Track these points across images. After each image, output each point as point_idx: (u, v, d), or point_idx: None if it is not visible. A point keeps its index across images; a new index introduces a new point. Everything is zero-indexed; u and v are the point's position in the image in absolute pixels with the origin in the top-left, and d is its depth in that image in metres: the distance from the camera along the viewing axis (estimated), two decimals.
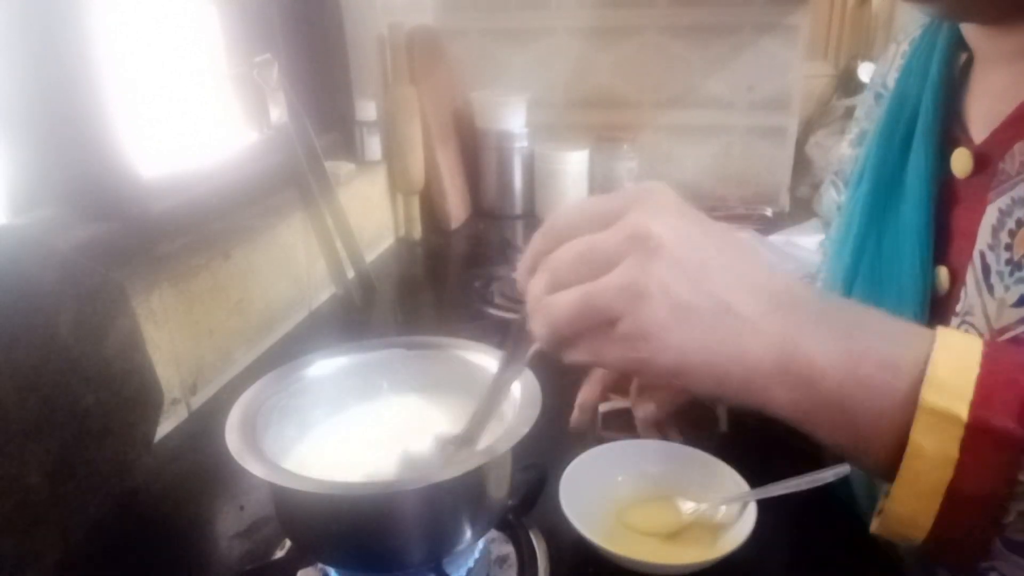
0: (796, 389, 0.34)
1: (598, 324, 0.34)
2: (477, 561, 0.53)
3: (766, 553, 0.55)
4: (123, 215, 0.79)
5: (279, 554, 0.57)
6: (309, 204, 0.99)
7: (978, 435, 0.30)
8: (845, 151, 0.61)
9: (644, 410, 0.59)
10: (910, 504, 0.32)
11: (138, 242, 0.81)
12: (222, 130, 1.05)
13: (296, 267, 1.04)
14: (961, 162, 0.48)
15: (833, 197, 0.65)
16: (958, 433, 0.30)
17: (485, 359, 0.56)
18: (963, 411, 0.30)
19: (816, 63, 1.59)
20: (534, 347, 0.39)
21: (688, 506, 0.59)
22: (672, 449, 0.62)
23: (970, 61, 0.51)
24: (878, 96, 0.60)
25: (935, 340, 0.33)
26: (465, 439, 0.47)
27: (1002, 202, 0.43)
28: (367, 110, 1.26)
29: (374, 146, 1.29)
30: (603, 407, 0.71)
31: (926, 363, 0.32)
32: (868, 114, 0.60)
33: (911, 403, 0.31)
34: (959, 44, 0.51)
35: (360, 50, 1.27)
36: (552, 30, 1.48)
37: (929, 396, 0.31)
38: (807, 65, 1.46)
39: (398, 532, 0.47)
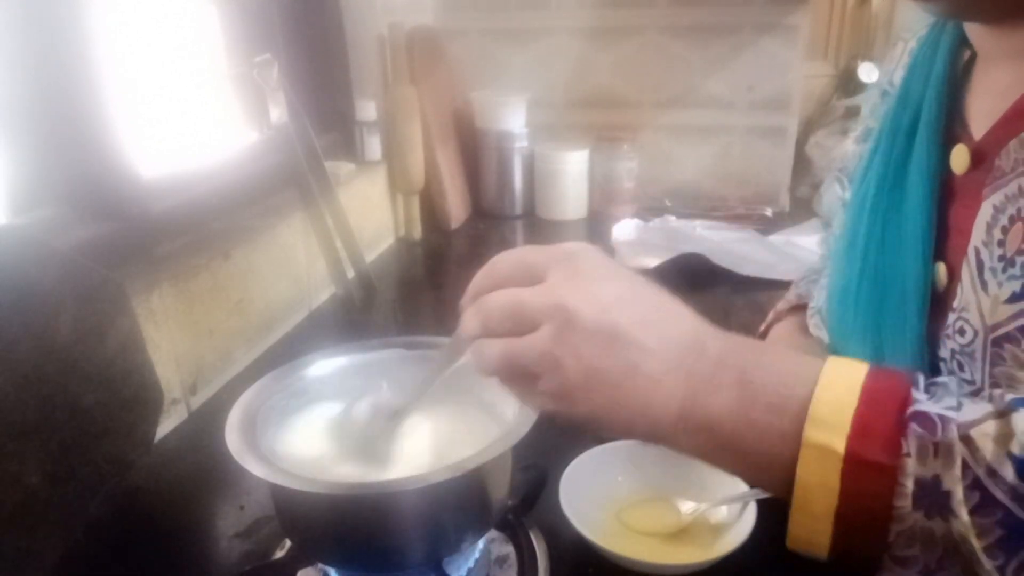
0: (697, 435, 0.38)
1: (522, 375, 0.39)
2: (477, 561, 0.53)
3: (766, 553, 0.54)
4: (123, 215, 0.79)
5: (279, 554, 0.57)
6: (309, 204, 0.99)
7: (855, 466, 0.33)
8: (851, 148, 0.61)
9: None
10: (806, 527, 0.35)
11: (138, 242, 0.81)
12: (222, 130, 1.05)
13: (296, 267, 1.04)
14: (959, 158, 0.48)
15: (837, 192, 0.65)
16: (837, 465, 0.34)
17: None
18: (840, 445, 0.33)
19: (816, 63, 1.59)
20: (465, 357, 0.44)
21: (688, 506, 0.59)
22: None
23: (973, 59, 0.51)
24: (884, 94, 0.60)
25: (819, 378, 0.36)
26: (398, 412, 0.51)
27: (996, 199, 0.43)
28: (367, 110, 1.26)
29: (374, 146, 1.29)
30: None
31: (809, 402, 0.35)
32: (874, 112, 0.61)
33: (797, 440, 0.35)
34: (963, 42, 0.51)
35: (360, 50, 1.27)
36: (552, 30, 1.48)
37: (811, 433, 0.34)
38: (807, 65, 1.46)
39: (398, 532, 0.47)
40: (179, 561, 0.59)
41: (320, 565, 0.53)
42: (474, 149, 1.50)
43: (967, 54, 0.51)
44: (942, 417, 0.33)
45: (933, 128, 0.50)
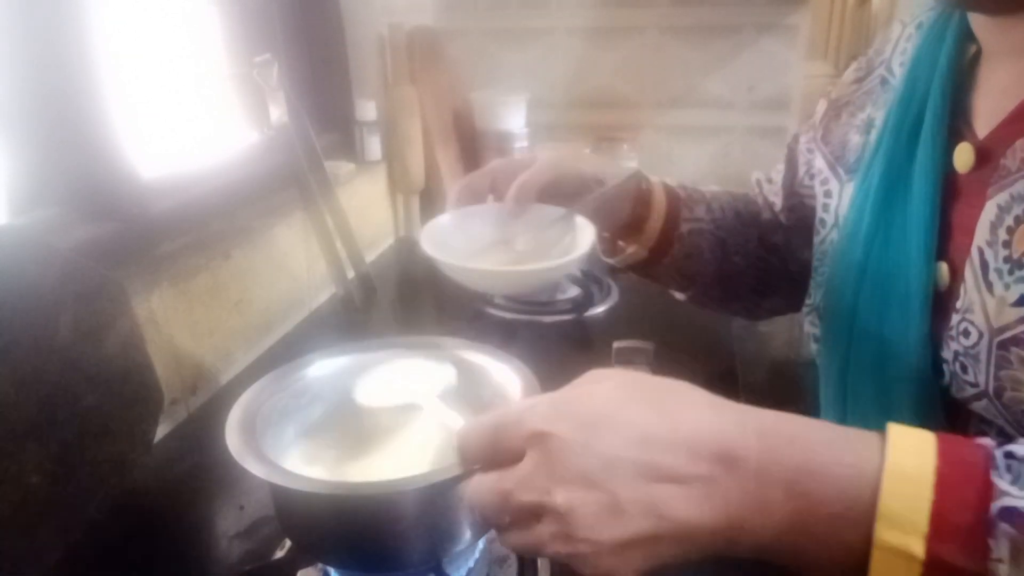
0: (753, 550, 0.34)
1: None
2: (477, 561, 0.53)
3: None
4: (123, 215, 0.79)
5: (279, 554, 0.57)
6: (309, 204, 0.99)
7: (937, 572, 0.30)
8: (852, 138, 0.60)
9: None
10: None
11: (138, 242, 0.81)
12: (222, 130, 1.05)
13: (296, 267, 1.04)
14: (963, 157, 0.47)
15: (821, 168, 0.64)
16: (917, 569, 0.30)
17: (485, 359, 0.56)
18: (919, 548, 0.30)
19: (816, 63, 1.59)
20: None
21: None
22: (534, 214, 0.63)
23: (979, 54, 0.50)
24: (883, 81, 0.59)
25: (884, 466, 0.31)
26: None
27: (1001, 198, 0.43)
28: (367, 110, 1.26)
29: (374, 146, 1.29)
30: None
31: (876, 496, 0.31)
32: (874, 100, 0.60)
33: (866, 542, 0.31)
34: (968, 37, 0.51)
35: (360, 50, 1.27)
36: (552, 30, 1.48)
37: (883, 533, 0.30)
38: (807, 65, 1.46)
39: (398, 532, 0.47)
40: (179, 561, 0.59)
41: (320, 565, 0.53)
42: (474, 149, 1.49)
43: (973, 49, 0.51)
44: None
45: (938, 125, 0.49)
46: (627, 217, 0.66)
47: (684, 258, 0.69)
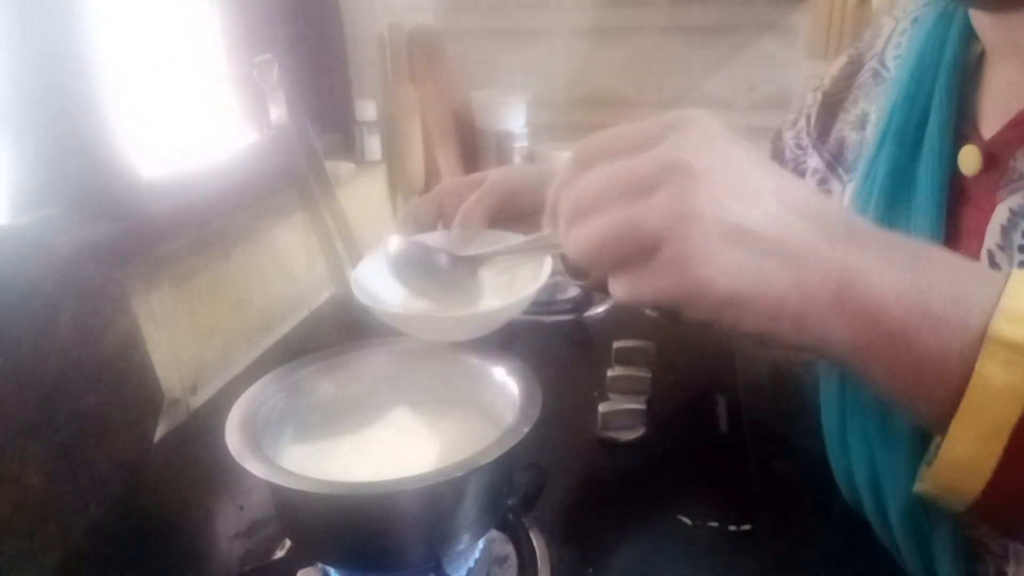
0: (856, 322, 0.31)
1: (635, 253, 0.31)
2: (477, 561, 0.53)
3: (765, 547, 0.55)
4: (123, 215, 0.79)
5: (279, 554, 0.57)
6: (309, 204, 0.99)
7: None
8: (848, 135, 0.59)
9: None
10: (970, 446, 0.30)
11: (138, 242, 0.81)
12: (222, 130, 1.05)
13: (296, 267, 1.04)
14: (969, 159, 0.46)
15: (815, 165, 0.63)
16: None
17: (485, 359, 0.56)
18: None
19: (816, 63, 1.59)
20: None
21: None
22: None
23: (984, 54, 0.50)
24: (875, 74, 0.58)
25: (1009, 277, 0.31)
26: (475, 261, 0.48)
27: (1013, 201, 0.42)
28: (367, 110, 1.26)
29: (374, 146, 1.29)
30: (603, 407, 0.71)
31: (999, 297, 0.30)
32: (866, 94, 0.59)
33: (981, 339, 0.29)
34: (973, 35, 0.50)
35: (360, 50, 1.27)
36: (552, 30, 1.48)
37: (1000, 326, 0.29)
38: (807, 65, 1.46)
39: (398, 532, 0.47)
40: (179, 561, 0.59)
41: (320, 565, 0.53)
42: (474, 149, 1.49)
43: (978, 49, 0.50)
44: None
45: (943, 127, 0.48)
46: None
47: None
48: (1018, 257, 0.41)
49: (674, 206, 0.30)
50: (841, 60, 0.63)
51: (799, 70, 1.42)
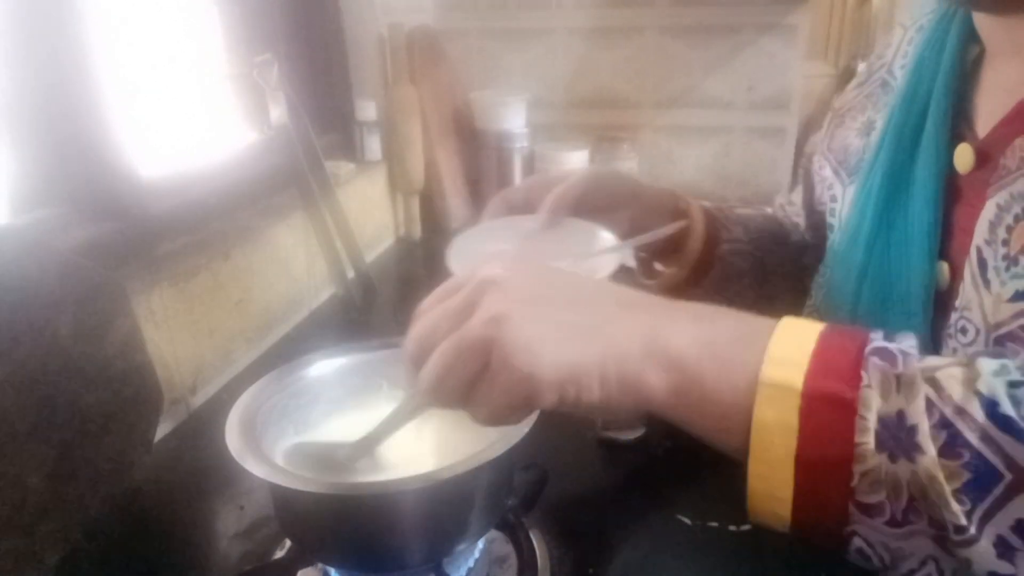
0: (667, 370, 0.35)
1: (473, 371, 0.35)
2: (477, 561, 0.53)
3: (765, 547, 0.55)
4: (123, 215, 0.79)
5: (279, 554, 0.57)
6: (309, 204, 0.99)
7: (813, 402, 0.32)
8: (853, 141, 0.60)
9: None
10: (766, 478, 0.33)
11: (138, 242, 0.81)
12: (222, 130, 1.05)
13: (296, 267, 1.04)
14: (963, 157, 0.48)
15: (827, 178, 0.64)
16: (795, 402, 0.32)
17: None
18: (798, 381, 0.32)
19: (816, 63, 1.59)
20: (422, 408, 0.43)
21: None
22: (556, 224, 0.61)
23: (982, 56, 0.50)
24: (884, 84, 0.59)
25: (779, 325, 0.35)
26: (358, 450, 0.49)
27: (1000, 197, 0.43)
28: (367, 110, 1.26)
29: (374, 146, 1.29)
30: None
31: (767, 344, 0.34)
32: (874, 102, 0.60)
33: (752, 384, 0.33)
34: (971, 38, 0.51)
35: (360, 50, 1.27)
36: (552, 30, 1.48)
37: (767, 371, 0.33)
38: (807, 65, 1.46)
39: (398, 532, 0.47)
40: (179, 561, 0.59)
41: (320, 565, 0.53)
42: (474, 149, 1.49)
43: (976, 51, 0.51)
44: (903, 352, 0.33)
45: (940, 127, 0.49)
46: (665, 236, 0.64)
47: (723, 279, 0.68)
48: (1001, 251, 0.42)
49: (489, 313, 0.35)
50: (857, 77, 0.66)
51: (799, 70, 1.42)
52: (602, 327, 0.36)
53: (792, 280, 0.71)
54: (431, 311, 0.38)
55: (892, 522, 0.32)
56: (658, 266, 0.69)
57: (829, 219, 0.63)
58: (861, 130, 0.60)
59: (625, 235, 0.60)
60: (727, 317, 0.37)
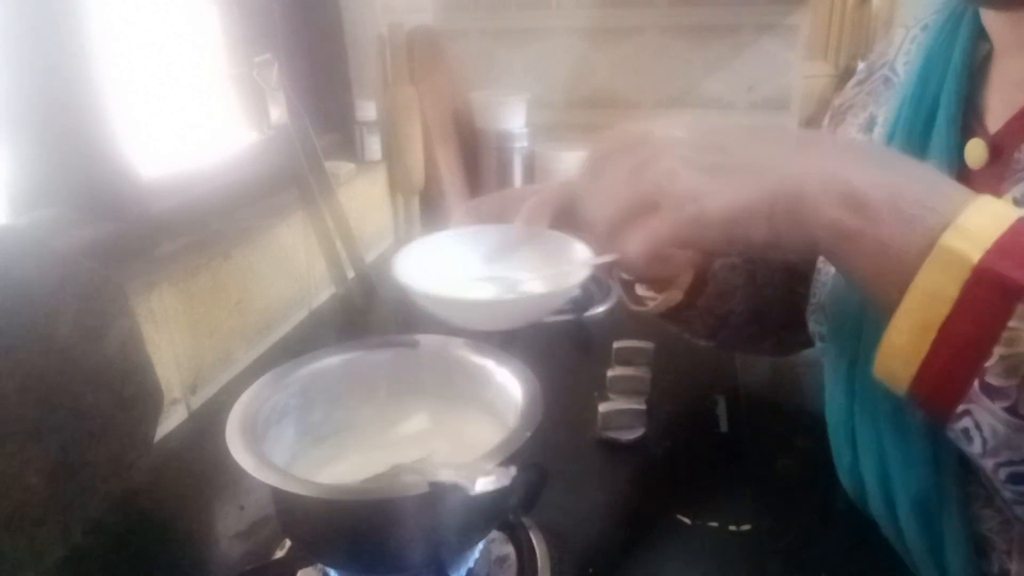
0: (844, 207, 0.35)
1: (644, 210, 0.39)
2: (477, 561, 0.53)
3: (765, 547, 0.55)
4: (123, 215, 0.79)
5: (279, 554, 0.57)
6: (309, 204, 0.99)
7: (982, 281, 0.32)
8: (853, 137, 0.60)
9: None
10: (905, 336, 0.34)
11: (138, 242, 0.81)
12: (222, 130, 1.05)
13: (296, 267, 1.04)
14: (975, 152, 0.47)
15: None
16: (964, 275, 0.32)
17: (485, 359, 0.56)
18: (976, 256, 0.32)
19: (816, 63, 1.59)
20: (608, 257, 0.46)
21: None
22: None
23: (991, 52, 0.51)
24: (886, 80, 0.59)
25: (975, 199, 0.34)
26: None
27: (1017, 191, 0.43)
28: (367, 110, 1.26)
29: (374, 146, 1.29)
30: (603, 407, 0.71)
31: (958, 212, 0.33)
32: (876, 99, 0.60)
33: (934, 244, 0.33)
34: (980, 35, 0.51)
35: (360, 50, 1.27)
36: (552, 30, 1.48)
37: (949, 237, 0.33)
38: (807, 65, 1.46)
39: (399, 534, 0.47)
40: (179, 561, 0.59)
41: (320, 565, 0.53)
42: (474, 149, 1.49)
43: (986, 48, 0.51)
44: None
45: (950, 123, 0.49)
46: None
47: (717, 297, 0.66)
48: None
49: (662, 168, 0.39)
50: (855, 76, 0.65)
51: (799, 70, 1.42)
52: (777, 165, 0.37)
53: (784, 291, 0.69)
54: (608, 166, 0.44)
55: (1012, 410, 0.32)
56: (640, 290, 0.65)
57: None
58: (863, 126, 0.60)
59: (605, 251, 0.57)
60: (919, 175, 0.37)
